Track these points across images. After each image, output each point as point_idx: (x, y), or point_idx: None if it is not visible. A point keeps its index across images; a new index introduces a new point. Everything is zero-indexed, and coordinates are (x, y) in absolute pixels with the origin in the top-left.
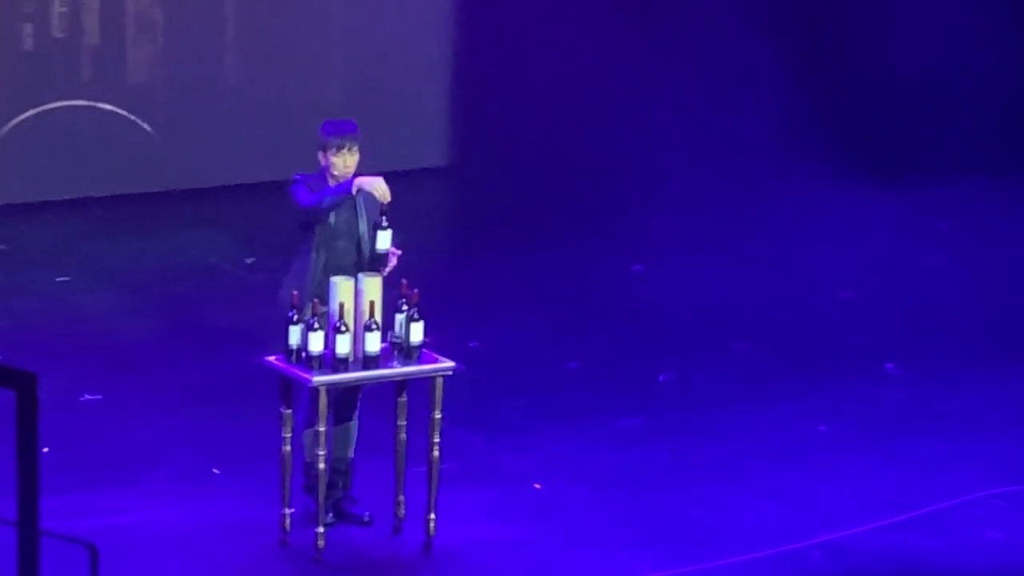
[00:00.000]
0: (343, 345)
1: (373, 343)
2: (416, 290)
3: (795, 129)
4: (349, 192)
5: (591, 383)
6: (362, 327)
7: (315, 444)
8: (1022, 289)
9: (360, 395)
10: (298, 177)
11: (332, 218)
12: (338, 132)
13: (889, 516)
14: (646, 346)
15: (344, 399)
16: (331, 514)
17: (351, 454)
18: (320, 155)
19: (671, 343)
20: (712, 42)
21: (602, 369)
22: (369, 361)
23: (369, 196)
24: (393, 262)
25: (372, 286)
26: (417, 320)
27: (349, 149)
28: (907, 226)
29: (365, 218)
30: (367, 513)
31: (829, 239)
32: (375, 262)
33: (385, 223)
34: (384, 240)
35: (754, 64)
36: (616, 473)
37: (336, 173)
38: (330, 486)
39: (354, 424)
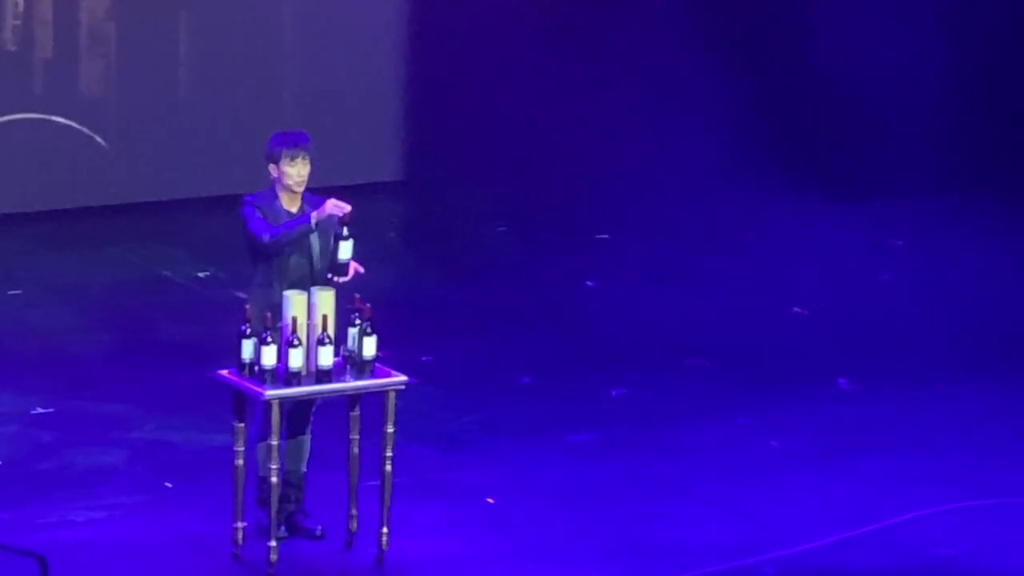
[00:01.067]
0: (296, 359)
1: (326, 357)
2: (368, 304)
3: (748, 147)
4: (308, 224)
5: (544, 398)
6: (315, 341)
7: (268, 458)
8: (975, 306)
9: (313, 409)
10: (248, 200)
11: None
12: (291, 142)
13: (841, 532)
14: (599, 361)
15: (297, 413)
16: (283, 528)
17: (304, 468)
18: (272, 168)
19: (624, 359)
20: (663, 62)
21: (555, 384)
22: (322, 375)
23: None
24: (351, 274)
25: (325, 300)
26: (370, 334)
27: (303, 158)
28: (861, 242)
29: (317, 233)
30: (319, 527)
31: (782, 255)
32: (335, 270)
33: (346, 233)
34: (346, 250)
35: (706, 83)
36: (569, 489)
37: (290, 183)
38: (282, 500)
39: (307, 438)
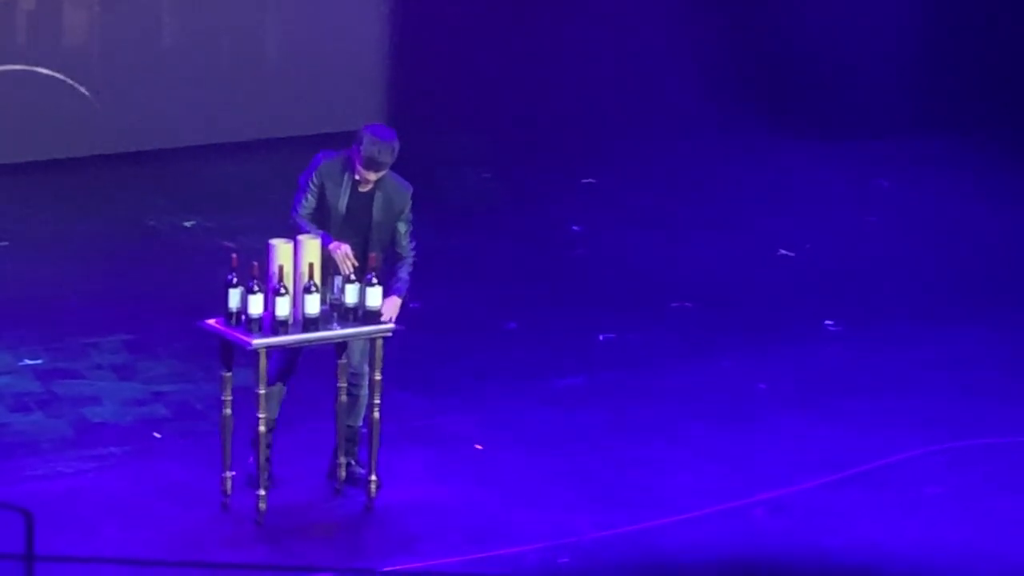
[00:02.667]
0: (282, 307)
1: (312, 305)
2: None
3: (732, 89)
4: (324, 246)
5: (530, 344)
6: (301, 289)
7: (257, 406)
8: (962, 248)
9: (299, 357)
10: (318, 161)
11: (343, 207)
12: (375, 154)
13: (829, 474)
14: (585, 307)
15: (286, 361)
16: (340, 482)
17: (359, 423)
18: (357, 149)
19: (610, 304)
20: (648, 3)
21: (541, 330)
22: (309, 323)
23: (389, 198)
24: (388, 316)
25: (311, 248)
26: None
27: (377, 170)
28: (847, 184)
29: (377, 218)
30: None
31: (768, 198)
32: (368, 318)
33: (375, 280)
34: (374, 297)
35: (690, 23)
36: (557, 433)
37: (358, 178)
38: (339, 454)
39: (363, 394)
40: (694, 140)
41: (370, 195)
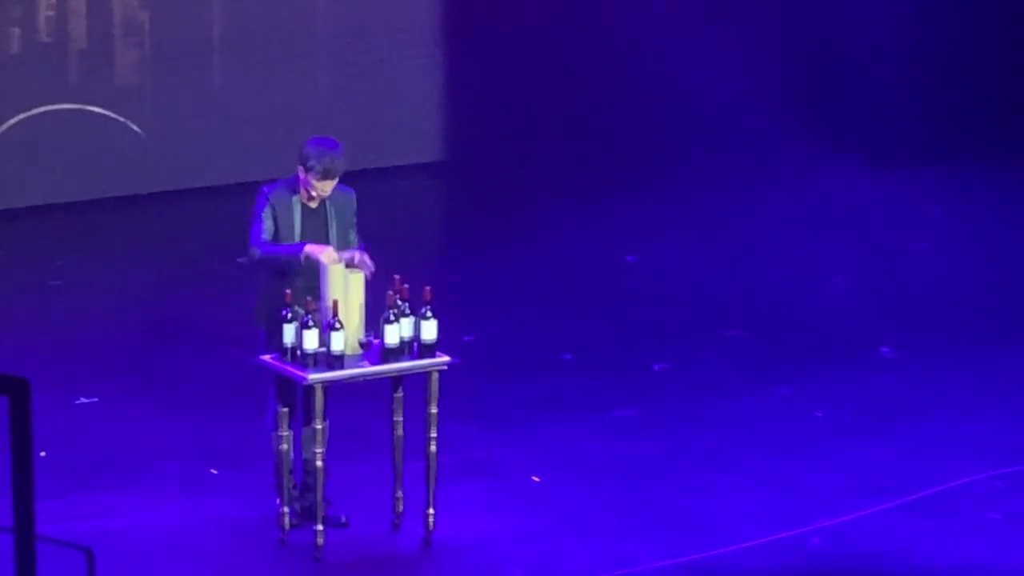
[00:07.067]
0: (338, 342)
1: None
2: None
3: (785, 114)
4: (297, 256)
5: (586, 375)
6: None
7: (312, 442)
8: (1014, 272)
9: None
10: (264, 193)
11: (297, 230)
12: (327, 167)
13: (887, 501)
14: (640, 336)
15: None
16: (296, 516)
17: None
18: (300, 168)
19: (665, 333)
20: (701, 29)
21: (597, 360)
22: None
23: (340, 207)
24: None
25: (356, 283)
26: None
27: (333, 178)
28: (899, 209)
29: (335, 229)
30: (343, 515)
31: (820, 224)
32: (424, 352)
33: (429, 313)
34: (429, 331)
35: (744, 49)
36: (613, 464)
37: (314, 194)
38: (304, 488)
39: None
40: (749, 167)
41: (321, 210)
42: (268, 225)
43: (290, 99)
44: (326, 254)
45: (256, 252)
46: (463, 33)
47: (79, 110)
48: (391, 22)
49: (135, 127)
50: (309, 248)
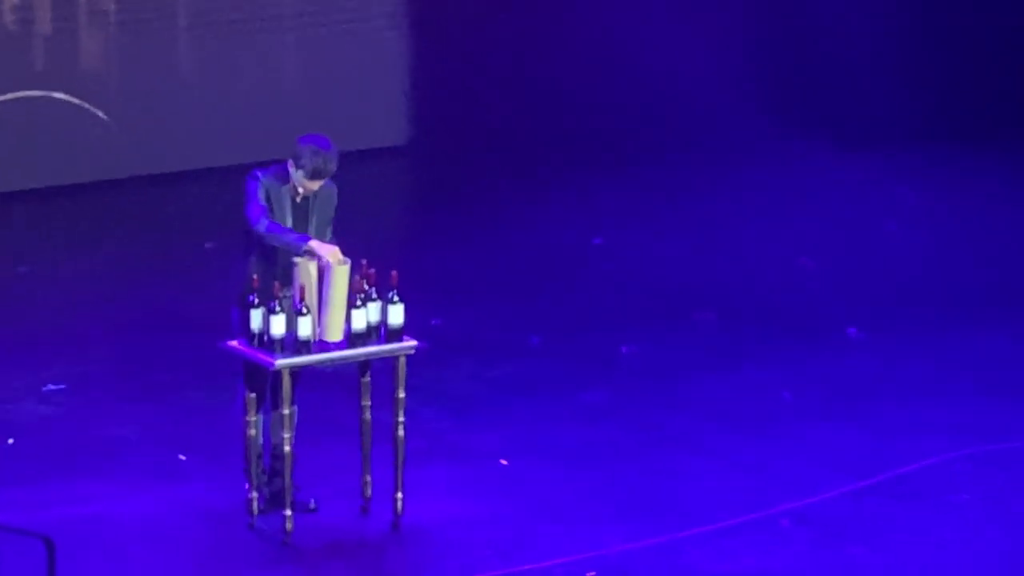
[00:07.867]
0: (305, 327)
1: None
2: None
3: (753, 95)
4: (299, 247)
5: (554, 358)
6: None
7: (280, 427)
8: (982, 254)
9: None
10: (257, 175)
11: (288, 221)
12: (320, 165)
13: (855, 481)
14: (607, 319)
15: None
16: (265, 502)
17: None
18: (291, 163)
19: (632, 315)
20: (669, 12)
21: (564, 343)
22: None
23: (323, 200)
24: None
25: (341, 276)
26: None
27: (322, 178)
28: (868, 191)
29: (314, 223)
30: (312, 500)
31: (789, 205)
32: (392, 336)
33: (395, 298)
34: (396, 315)
35: (713, 32)
36: (581, 447)
37: (301, 191)
38: (273, 473)
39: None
40: (715, 148)
41: (305, 203)
42: (265, 206)
43: (256, 84)
44: (333, 254)
45: (264, 223)
46: (429, 16)
47: (44, 97)
48: (357, 6)
49: (101, 113)
50: (315, 244)
